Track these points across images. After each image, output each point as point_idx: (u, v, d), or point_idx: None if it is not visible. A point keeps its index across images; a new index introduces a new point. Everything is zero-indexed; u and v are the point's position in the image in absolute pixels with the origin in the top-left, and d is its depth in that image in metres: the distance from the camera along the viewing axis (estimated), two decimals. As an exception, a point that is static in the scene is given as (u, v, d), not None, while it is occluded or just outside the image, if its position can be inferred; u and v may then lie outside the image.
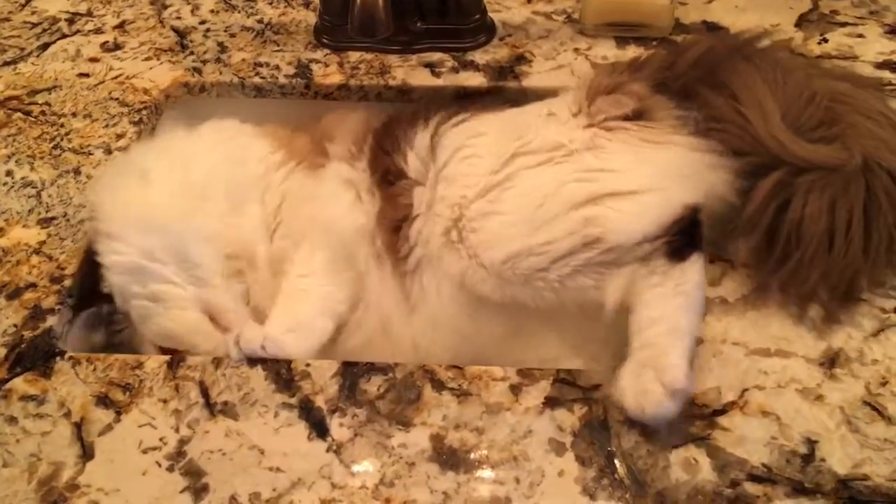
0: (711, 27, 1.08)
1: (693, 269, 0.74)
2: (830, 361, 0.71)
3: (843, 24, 1.07)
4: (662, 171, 0.77)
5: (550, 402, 0.70)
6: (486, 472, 0.66)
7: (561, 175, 0.79)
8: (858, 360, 0.71)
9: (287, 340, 0.77)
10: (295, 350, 0.76)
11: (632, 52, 1.05)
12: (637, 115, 0.81)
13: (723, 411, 0.68)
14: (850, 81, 0.85)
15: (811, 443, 0.66)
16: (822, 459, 0.65)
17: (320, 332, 0.81)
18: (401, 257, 0.85)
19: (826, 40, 1.04)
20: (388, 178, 0.88)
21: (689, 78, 0.85)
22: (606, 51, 1.05)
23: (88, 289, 0.83)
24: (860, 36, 1.05)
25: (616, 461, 0.66)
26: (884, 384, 0.69)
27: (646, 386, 0.67)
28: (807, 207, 0.75)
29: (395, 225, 0.86)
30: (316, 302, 0.83)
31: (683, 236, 0.75)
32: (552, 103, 0.87)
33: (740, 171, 0.78)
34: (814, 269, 0.75)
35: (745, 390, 0.70)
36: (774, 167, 0.78)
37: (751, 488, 0.64)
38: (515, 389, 0.71)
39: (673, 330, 0.70)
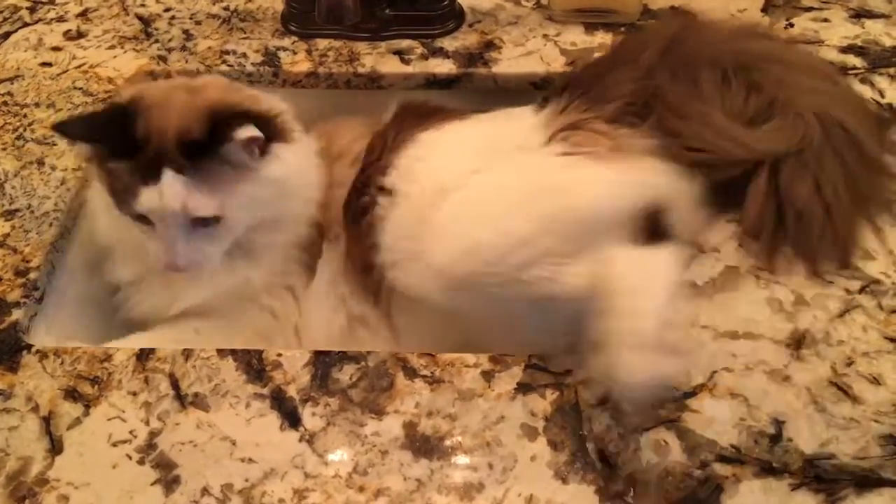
0: (679, 13, 1.08)
1: (669, 253, 0.73)
2: (797, 343, 0.72)
3: (809, 9, 1.07)
4: (626, 173, 0.77)
5: (522, 388, 0.70)
6: (459, 459, 0.66)
7: (519, 178, 0.78)
8: (824, 341, 0.72)
9: None
10: None
11: (600, 38, 1.05)
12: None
13: (692, 394, 0.69)
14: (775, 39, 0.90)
15: (779, 423, 0.67)
16: (790, 439, 0.66)
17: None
18: (377, 298, 0.85)
19: (792, 25, 1.05)
20: (357, 216, 0.85)
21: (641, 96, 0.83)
22: (575, 37, 1.05)
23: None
24: (825, 20, 1.05)
25: (588, 445, 0.66)
26: (849, 364, 0.70)
27: (622, 353, 0.65)
28: (798, 198, 0.77)
29: (364, 266, 0.84)
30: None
31: (653, 229, 0.74)
32: (518, 123, 0.85)
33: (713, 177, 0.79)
34: (824, 237, 0.77)
35: (714, 372, 0.70)
36: (746, 165, 0.80)
37: (720, 469, 0.64)
38: (487, 376, 0.71)
39: (648, 295, 0.69)
